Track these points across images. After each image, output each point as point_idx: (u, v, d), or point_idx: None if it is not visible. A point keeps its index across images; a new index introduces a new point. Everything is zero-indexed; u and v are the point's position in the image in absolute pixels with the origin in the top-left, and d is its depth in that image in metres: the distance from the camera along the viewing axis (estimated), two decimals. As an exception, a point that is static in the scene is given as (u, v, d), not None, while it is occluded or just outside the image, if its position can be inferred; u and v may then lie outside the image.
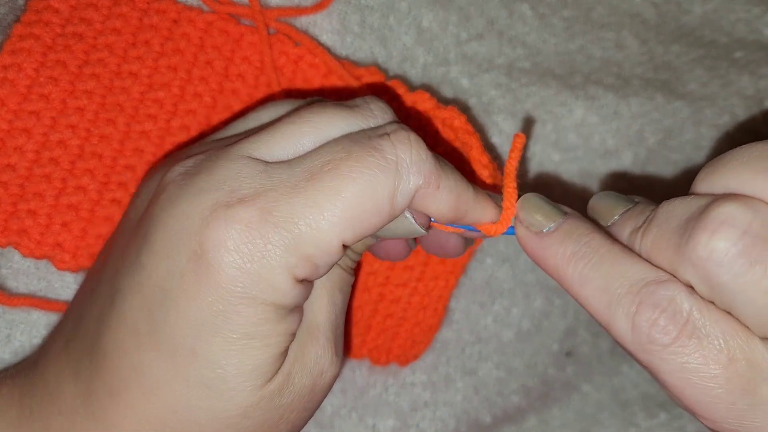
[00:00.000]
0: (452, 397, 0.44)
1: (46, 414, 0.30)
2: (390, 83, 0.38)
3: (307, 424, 0.40)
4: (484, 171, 0.37)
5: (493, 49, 0.44)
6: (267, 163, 0.29)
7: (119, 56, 0.37)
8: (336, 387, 0.41)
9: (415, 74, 0.43)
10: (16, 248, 0.36)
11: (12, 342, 0.36)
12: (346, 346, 0.41)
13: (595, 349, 0.46)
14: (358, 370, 0.42)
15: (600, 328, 0.46)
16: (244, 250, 0.27)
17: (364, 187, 0.28)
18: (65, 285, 0.37)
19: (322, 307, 0.31)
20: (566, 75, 0.45)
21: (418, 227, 0.30)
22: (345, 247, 0.28)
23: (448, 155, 0.38)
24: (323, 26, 0.41)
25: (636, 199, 0.31)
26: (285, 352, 0.29)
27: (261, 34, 0.38)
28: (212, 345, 0.28)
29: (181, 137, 0.38)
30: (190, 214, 0.28)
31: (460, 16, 0.44)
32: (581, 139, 0.44)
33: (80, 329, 0.31)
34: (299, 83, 0.38)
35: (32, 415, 0.30)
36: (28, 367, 0.33)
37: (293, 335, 0.29)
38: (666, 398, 0.46)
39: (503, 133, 0.43)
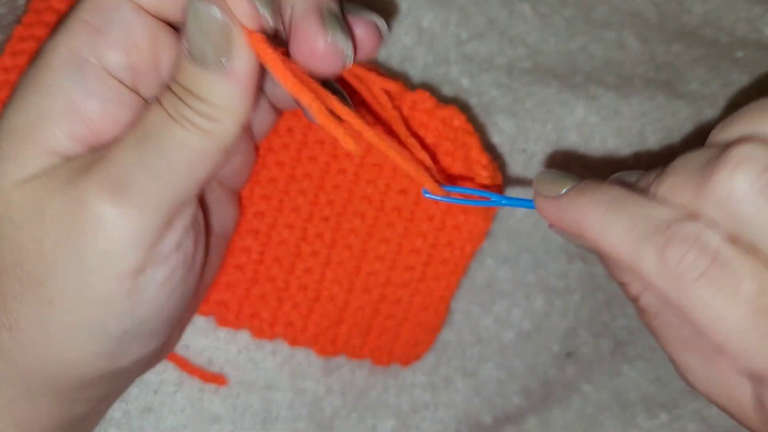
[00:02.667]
0: (452, 398, 0.44)
1: None
2: (390, 83, 0.38)
3: (307, 426, 0.41)
4: (483, 171, 0.37)
5: (493, 49, 0.44)
6: None
7: None
8: (335, 388, 0.41)
9: (415, 74, 0.43)
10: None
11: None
12: (347, 345, 0.41)
13: (596, 349, 0.46)
14: (358, 371, 0.42)
15: (601, 329, 0.46)
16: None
17: None
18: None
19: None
20: (567, 75, 0.45)
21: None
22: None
23: (448, 155, 0.38)
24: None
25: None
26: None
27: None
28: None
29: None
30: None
31: (460, 15, 0.44)
32: (582, 138, 0.44)
33: None
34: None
35: None
36: None
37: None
38: (667, 399, 0.46)
39: (503, 133, 0.43)
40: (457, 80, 0.44)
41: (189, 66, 0.27)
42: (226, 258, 0.38)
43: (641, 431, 0.46)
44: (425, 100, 0.38)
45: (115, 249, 0.27)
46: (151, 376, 0.39)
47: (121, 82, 0.29)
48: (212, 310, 0.39)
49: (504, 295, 0.45)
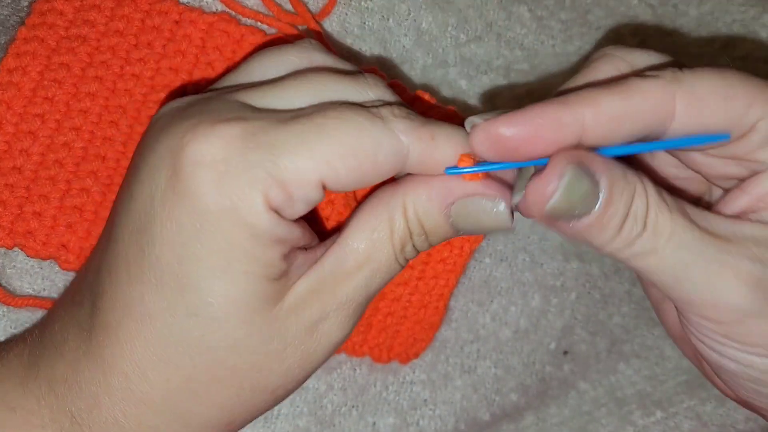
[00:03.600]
0: (451, 396, 0.44)
1: (50, 363, 0.30)
2: (390, 83, 0.39)
3: (308, 422, 0.41)
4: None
5: (491, 51, 0.45)
6: (258, 108, 0.29)
7: (122, 58, 0.37)
8: (336, 385, 0.42)
9: (414, 76, 0.43)
10: (21, 249, 0.37)
11: (16, 341, 0.37)
12: (347, 343, 0.41)
13: (592, 347, 0.47)
14: (358, 369, 0.42)
15: (597, 327, 0.47)
16: (220, 166, 0.26)
17: (350, 129, 0.27)
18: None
19: (359, 281, 0.30)
20: (564, 77, 0.46)
21: (503, 214, 0.30)
22: (324, 188, 0.28)
23: None
24: (324, 28, 0.41)
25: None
26: (276, 287, 0.28)
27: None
28: (195, 269, 0.27)
29: None
30: (174, 134, 0.27)
31: (458, 18, 0.44)
32: (579, 139, 0.45)
33: (85, 279, 0.31)
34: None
35: (38, 367, 0.30)
36: (39, 327, 0.33)
37: (281, 271, 0.28)
38: (662, 396, 0.47)
39: (502, 134, 0.44)
40: (456, 82, 0.44)
41: (447, 228, 0.31)
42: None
43: (637, 428, 0.47)
44: (425, 101, 0.39)
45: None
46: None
47: None
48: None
49: (501, 294, 0.45)
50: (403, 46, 0.43)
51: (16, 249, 0.37)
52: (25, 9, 0.38)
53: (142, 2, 0.38)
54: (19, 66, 0.36)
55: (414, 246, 0.31)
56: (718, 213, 0.30)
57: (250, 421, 0.32)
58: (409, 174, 0.31)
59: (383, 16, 0.42)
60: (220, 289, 0.27)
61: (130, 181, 0.29)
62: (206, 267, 0.27)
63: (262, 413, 0.32)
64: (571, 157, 0.27)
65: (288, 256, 0.29)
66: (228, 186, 0.26)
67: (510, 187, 0.31)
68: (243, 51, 0.39)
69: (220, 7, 0.39)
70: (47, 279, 0.38)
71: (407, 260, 0.32)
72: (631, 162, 0.30)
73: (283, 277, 0.29)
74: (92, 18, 0.37)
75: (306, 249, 0.30)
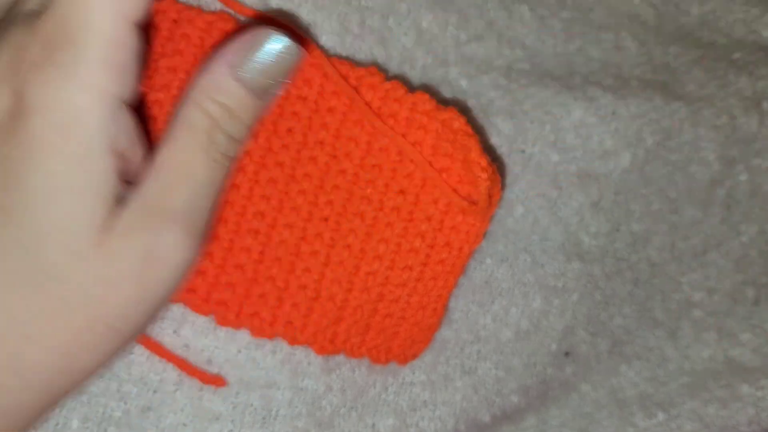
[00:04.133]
0: (451, 397, 0.44)
1: None
2: (389, 84, 0.39)
3: (307, 423, 0.41)
4: (482, 173, 0.37)
5: (492, 51, 0.45)
6: None
7: None
8: (335, 386, 0.42)
9: (414, 75, 0.43)
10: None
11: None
12: (346, 344, 0.41)
13: (593, 348, 0.46)
14: (357, 370, 0.42)
15: (599, 328, 0.46)
16: (48, 75, 0.26)
17: None
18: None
19: (182, 194, 0.29)
20: (565, 76, 0.45)
21: (285, 42, 0.29)
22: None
23: (447, 157, 0.39)
24: (323, 27, 0.41)
25: None
26: (106, 210, 0.27)
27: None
28: (23, 195, 0.26)
29: None
30: None
31: (459, 17, 0.44)
32: (580, 139, 0.44)
33: None
34: (299, 83, 0.38)
35: None
36: None
37: (113, 189, 0.27)
38: (664, 398, 0.46)
39: (502, 134, 0.43)
40: (456, 81, 0.44)
41: (250, 97, 0.29)
42: (225, 257, 0.39)
43: (638, 430, 0.46)
44: (425, 102, 0.38)
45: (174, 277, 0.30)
46: (151, 376, 0.39)
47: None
48: (212, 310, 0.39)
49: (502, 295, 0.45)
50: (403, 46, 0.43)
51: None
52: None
53: None
54: None
55: (227, 133, 0.29)
56: None
57: (95, 369, 0.30)
58: None
59: (383, 15, 0.42)
60: (48, 214, 0.26)
61: None
62: (33, 190, 0.26)
63: (107, 357, 0.29)
64: None
65: (119, 173, 0.28)
66: (54, 93, 0.26)
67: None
68: None
69: (218, 6, 0.39)
70: None
71: (227, 155, 0.30)
72: None
73: (114, 200, 0.28)
74: None
75: (136, 171, 0.29)
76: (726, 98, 0.46)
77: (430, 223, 0.39)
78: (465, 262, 0.41)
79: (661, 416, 0.46)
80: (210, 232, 0.31)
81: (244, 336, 0.40)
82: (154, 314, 0.30)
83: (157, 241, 0.28)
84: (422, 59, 0.43)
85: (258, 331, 0.40)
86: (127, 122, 0.29)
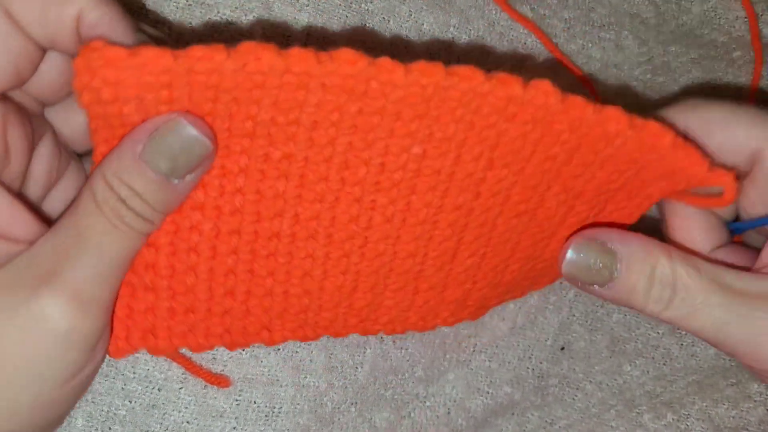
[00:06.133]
0: (442, 389, 0.45)
1: None
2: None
3: (309, 419, 0.41)
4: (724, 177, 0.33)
5: (493, 51, 0.45)
6: None
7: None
8: (338, 383, 0.42)
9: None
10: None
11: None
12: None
13: (591, 345, 0.46)
14: (360, 368, 0.43)
15: (596, 324, 0.46)
16: None
17: None
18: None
19: (83, 262, 0.28)
20: (566, 76, 0.46)
21: (190, 131, 0.29)
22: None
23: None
24: (324, 32, 0.41)
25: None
26: None
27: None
28: None
29: None
30: None
31: (460, 18, 0.44)
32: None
33: None
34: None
35: None
36: None
37: None
38: (672, 398, 0.46)
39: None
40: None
41: (148, 173, 0.28)
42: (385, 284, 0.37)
43: (647, 431, 0.46)
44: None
45: (67, 356, 0.29)
46: (156, 374, 0.39)
47: None
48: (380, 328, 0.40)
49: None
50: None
51: None
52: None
53: None
54: None
55: (134, 210, 0.29)
56: (758, 271, 0.34)
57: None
58: None
59: (384, 18, 0.42)
60: None
61: None
62: None
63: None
64: (582, 235, 0.35)
65: None
66: None
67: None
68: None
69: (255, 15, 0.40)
70: None
71: (135, 227, 0.29)
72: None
73: None
74: None
75: (16, 240, 0.29)
76: (726, 97, 0.46)
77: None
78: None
79: (670, 416, 0.46)
80: (112, 303, 0.30)
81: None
82: (34, 384, 0.29)
83: (36, 301, 0.28)
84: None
85: (422, 329, 0.40)
86: None
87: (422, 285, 0.38)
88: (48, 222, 0.31)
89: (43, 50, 0.29)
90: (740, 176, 0.33)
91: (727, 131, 0.33)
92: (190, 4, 0.39)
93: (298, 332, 0.38)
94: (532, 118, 0.31)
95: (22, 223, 0.29)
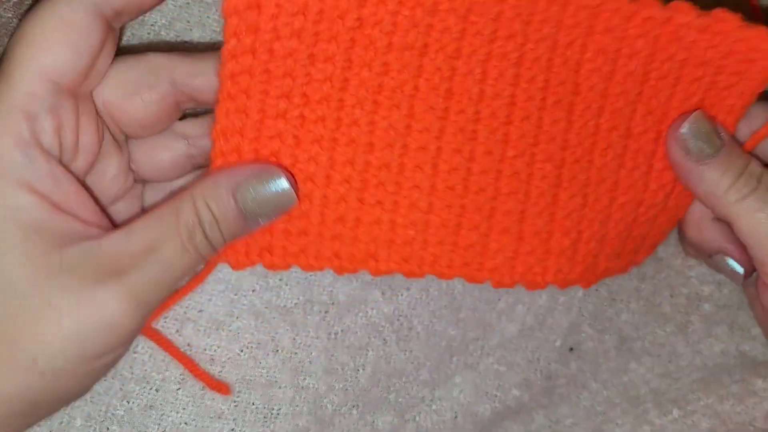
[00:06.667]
0: (449, 392, 0.44)
1: None
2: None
3: (308, 421, 0.41)
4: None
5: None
6: None
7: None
8: (338, 386, 0.42)
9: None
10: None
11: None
12: (605, 272, 0.41)
13: (600, 345, 0.46)
14: (361, 370, 0.42)
15: (605, 324, 0.46)
16: None
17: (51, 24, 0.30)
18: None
19: (144, 270, 0.31)
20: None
21: (284, 187, 0.33)
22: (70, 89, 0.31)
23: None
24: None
25: None
26: (34, 239, 0.30)
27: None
28: None
29: None
30: None
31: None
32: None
33: None
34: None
35: None
36: None
37: (35, 219, 0.30)
38: (678, 395, 0.45)
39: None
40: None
41: (235, 208, 0.32)
42: (489, 226, 0.39)
43: (654, 428, 0.45)
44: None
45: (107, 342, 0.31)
46: (154, 374, 0.39)
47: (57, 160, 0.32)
48: (487, 277, 0.40)
49: (509, 292, 0.45)
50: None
51: None
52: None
53: None
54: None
55: (206, 235, 0.32)
56: None
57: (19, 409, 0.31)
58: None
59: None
60: None
61: None
62: None
63: (27, 397, 0.31)
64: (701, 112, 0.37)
65: (52, 212, 0.30)
66: None
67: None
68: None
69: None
70: None
71: (201, 253, 0.32)
72: None
73: (46, 231, 0.30)
74: None
75: (85, 222, 0.32)
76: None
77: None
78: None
79: (676, 413, 0.46)
80: (157, 311, 0.34)
81: (245, 336, 0.40)
82: (83, 370, 0.31)
83: (99, 292, 0.30)
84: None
85: (532, 285, 0.40)
86: (49, 168, 0.31)
87: (527, 230, 0.39)
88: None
89: (109, 30, 0.32)
90: None
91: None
92: (188, 2, 0.39)
93: (403, 266, 0.39)
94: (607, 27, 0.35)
95: (90, 208, 0.32)
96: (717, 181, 0.37)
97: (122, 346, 0.32)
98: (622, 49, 0.35)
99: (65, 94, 0.31)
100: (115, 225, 0.35)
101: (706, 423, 0.45)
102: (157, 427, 0.39)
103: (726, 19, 0.34)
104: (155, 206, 0.33)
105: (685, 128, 0.37)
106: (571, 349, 0.46)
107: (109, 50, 0.33)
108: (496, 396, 0.45)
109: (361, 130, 0.35)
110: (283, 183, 0.33)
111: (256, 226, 0.34)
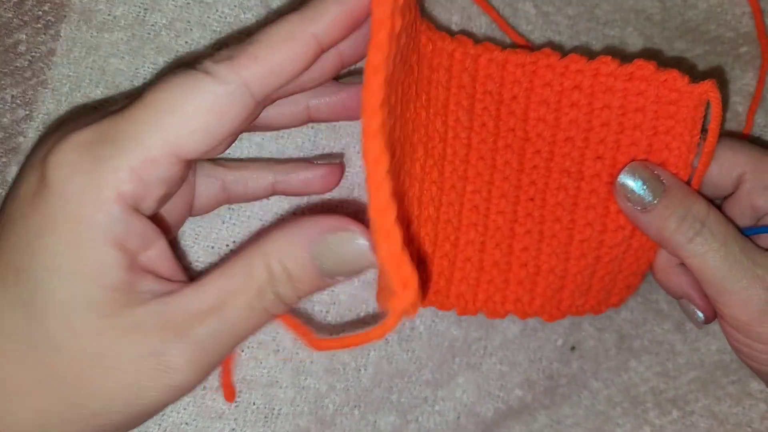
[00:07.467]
0: (452, 393, 0.44)
1: None
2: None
3: (309, 421, 0.41)
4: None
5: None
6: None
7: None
8: (339, 386, 0.42)
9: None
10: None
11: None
12: (571, 308, 0.42)
13: (600, 343, 0.46)
14: (363, 370, 0.42)
15: (605, 322, 0.46)
16: (73, 166, 0.28)
17: (177, 93, 0.29)
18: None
19: (210, 326, 0.30)
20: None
21: (363, 248, 0.30)
22: (187, 163, 0.30)
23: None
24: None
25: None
26: (112, 298, 0.29)
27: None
28: (30, 263, 0.28)
29: None
30: (45, 146, 0.29)
31: (462, 15, 0.44)
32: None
33: None
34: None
35: None
36: None
37: (118, 279, 0.29)
38: (677, 394, 0.46)
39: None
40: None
41: (312, 267, 0.30)
42: (455, 254, 0.41)
43: (654, 428, 0.46)
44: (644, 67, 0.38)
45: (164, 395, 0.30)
46: (155, 374, 0.39)
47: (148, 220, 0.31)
48: (453, 304, 0.42)
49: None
50: (406, 45, 0.43)
51: None
52: (28, 12, 0.38)
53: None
54: None
55: (278, 294, 0.31)
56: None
57: None
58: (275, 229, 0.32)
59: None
60: (49, 285, 0.28)
61: (11, 189, 0.31)
62: (41, 261, 0.28)
63: None
64: (639, 161, 0.39)
65: (132, 270, 0.29)
66: (77, 181, 0.28)
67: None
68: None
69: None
70: None
71: (270, 311, 0.31)
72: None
73: (123, 291, 0.29)
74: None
75: (160, 277, 0.31)
76: (731, 94, 0.46)
77: None
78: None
79: (675, 413, 0.46)
80: (214, 367, 0.32)
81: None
82: (140, 420, 0.31)
83: (163, 350, 0.29)
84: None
85: (492, 313, 0.42)
86: (142, 227, 0.30)
87: (487, 260, 0.42)
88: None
89: (252, 115, 0.31)
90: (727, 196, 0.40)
91: (716, 160, 0.39)
92: (188, 2, 0.39)
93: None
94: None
95: (169, 263, 0.32)
96: (662, 225, 0.38)
97: (178, 399, 0.32)
98: (562, 100, 0.39)
99: (182, 165, 0.30)
100: (185, 271, 0.34)
101: (705, 424, 0.46)
102: (157, 427, 0.39)
103: (644, 67, 0.37)
104: (227, 262, 0.32)
105: (621, 179, 0.39)
106: (573, 348, 0.46)
107: (239, 133, 0.32)
108: (498, 396, 0.45)
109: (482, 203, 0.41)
110: (362, 244, 0.30)
111: (332, 284, 0.32)
